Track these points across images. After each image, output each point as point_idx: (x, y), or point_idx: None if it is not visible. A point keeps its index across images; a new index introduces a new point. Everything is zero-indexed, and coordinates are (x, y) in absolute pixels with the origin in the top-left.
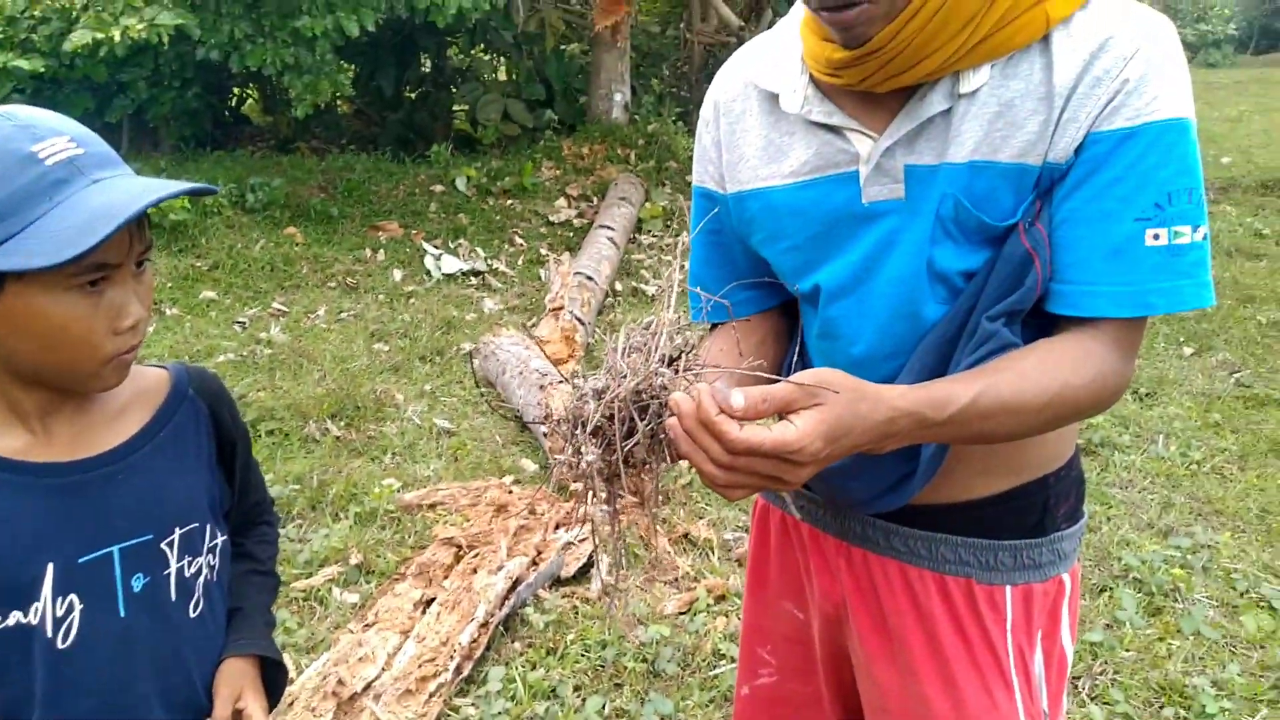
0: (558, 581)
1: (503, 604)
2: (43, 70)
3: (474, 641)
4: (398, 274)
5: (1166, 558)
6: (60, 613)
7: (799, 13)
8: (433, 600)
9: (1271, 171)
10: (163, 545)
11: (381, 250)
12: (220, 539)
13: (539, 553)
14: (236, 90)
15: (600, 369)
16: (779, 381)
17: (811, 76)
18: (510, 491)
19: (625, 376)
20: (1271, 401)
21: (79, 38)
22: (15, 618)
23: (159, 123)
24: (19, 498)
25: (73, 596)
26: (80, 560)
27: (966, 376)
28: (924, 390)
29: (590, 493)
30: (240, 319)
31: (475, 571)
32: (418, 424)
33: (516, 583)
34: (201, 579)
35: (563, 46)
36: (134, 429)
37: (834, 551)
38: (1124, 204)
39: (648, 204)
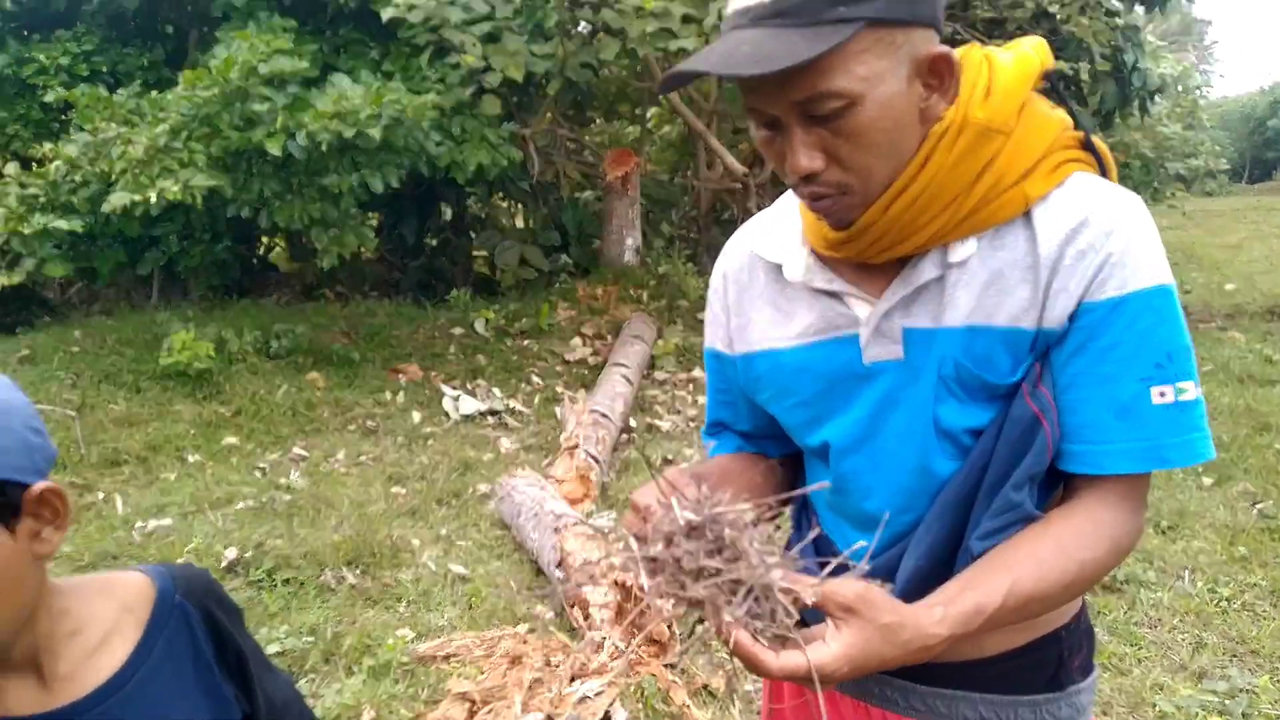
0: None
1: None
2: (80, 229)
3: None
4: (416, 416)
5: (1203, 703)
6: None
7: None
8: None
9: (1276, 297)
10: None
11: (401, 393)
12: None
13: (554, 707)
14: (265, 240)
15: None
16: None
17: (811, 247)
18: (525, 641)
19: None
20: None
21: (117, 199)
22: None
23: (188, 274)
24: None
25: None
26: None
27: (989, 575)
28: (957, 607)
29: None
30: (261, 464)
31: None
32: (433, 570)
33: None
34: None
35: (576, 195)
36: (122, 656)
37: (852, 712)
38: (1125, 366)
39: (660, 341)
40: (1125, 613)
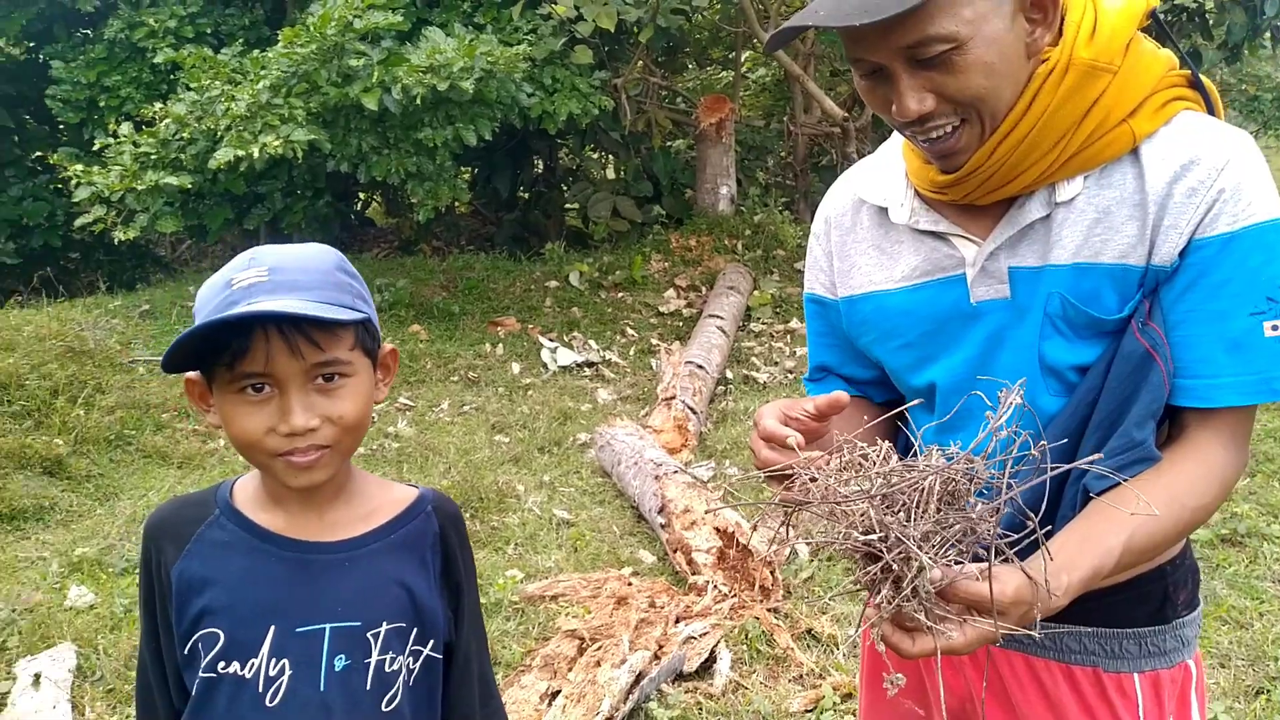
0: (680, 677)
1: (627, 698)
2: (190, 185)
3: None
4: (516, 367)
5: None
6: (273, 673)
7: (900, 136)
8: (558, 693)
9: None
10: (369, 635)
11: (500, 345)
12: (427, 650)
13: (660, 646)
14: (362, 195)
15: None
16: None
17: (916, 190)
18: (629, 583)
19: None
20: None
21: (223, 155)
22: (234, 668)
23: (292, 230)
24: (264, 564)
25: (285, 660)
26: (297, 629)
27: (1106, 532)
28: (1078, 573)
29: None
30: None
31: (599, 664)
32: (538, 515)
33: (640, 677)
34: (401, 677)
35: (669, 144)
36: (373, 526)
37: None
38: (1237, 301)
39: (756, 292)
40: (1246, 566)
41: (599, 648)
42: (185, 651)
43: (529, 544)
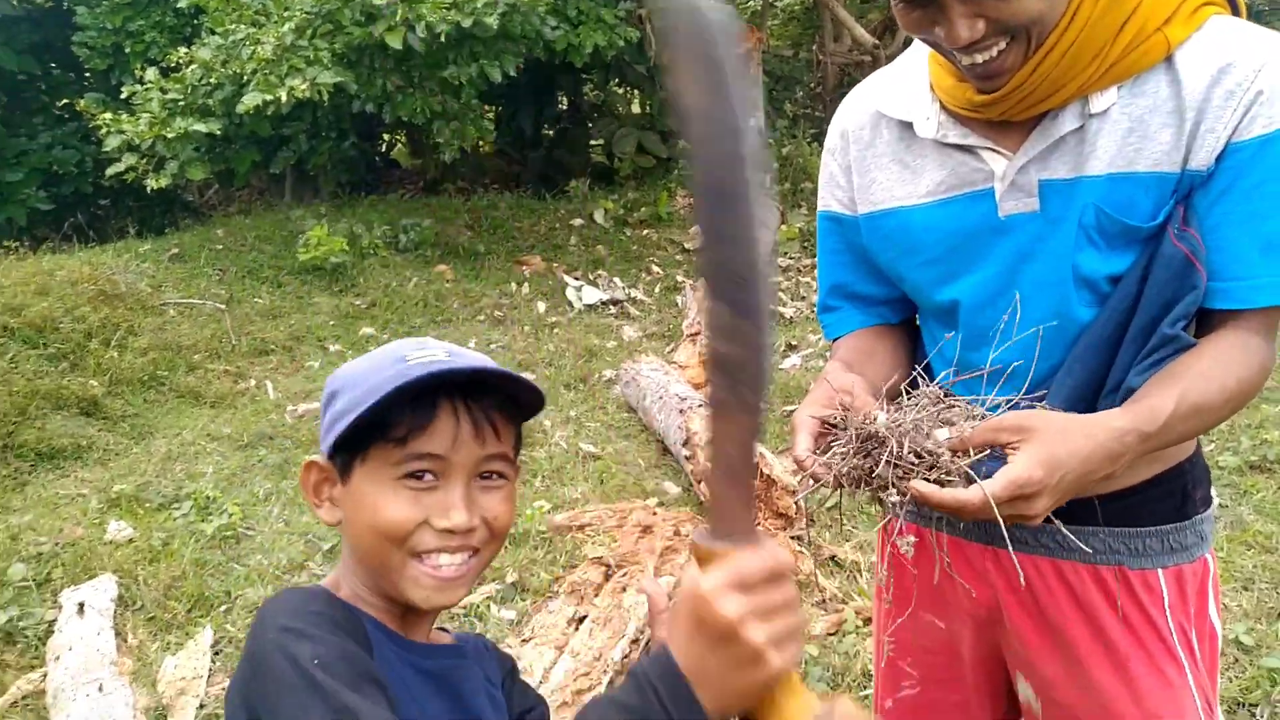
0: None
1: None
2: (218, 131)
3: (626, 658)
4: (541, 306)
5: None
6: None
7: (924, 47)
8: (585, 617)
9: None
10: None
11: (526, 284)
12: None
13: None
14: (386, 136)
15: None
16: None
17: (941, 103)
18: (654, 513)
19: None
20: None
21: (250, 100)
22: None
23: (318, 171)
24: (409, 674)
25: None
26: None
27: (1157, 387)
28: (1133, 407)
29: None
30: None
31: (624, 590)
32: (564, 449)
33: None
34: None
35: None
36: (447, 639)
37: (979, 556)
38: (1272, 202)
39: (783, 226)
40: (1275, 492)
41: (624, 574)
42: None
43: (556, 476)
